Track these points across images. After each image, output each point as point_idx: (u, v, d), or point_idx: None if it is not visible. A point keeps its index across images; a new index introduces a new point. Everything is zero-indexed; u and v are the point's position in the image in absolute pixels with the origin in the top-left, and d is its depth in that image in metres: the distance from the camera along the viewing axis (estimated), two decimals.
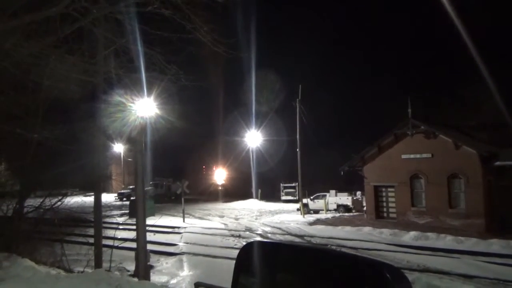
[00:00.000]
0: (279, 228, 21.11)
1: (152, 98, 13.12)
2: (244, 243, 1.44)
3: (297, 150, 31.06)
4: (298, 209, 29.24)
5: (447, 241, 16.60)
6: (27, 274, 5.02)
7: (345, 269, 0.77)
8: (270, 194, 44.48)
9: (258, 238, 17.03)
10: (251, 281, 0.94)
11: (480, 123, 22.19)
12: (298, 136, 31.07)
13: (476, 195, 19.83)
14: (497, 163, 19.06)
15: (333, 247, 15.57)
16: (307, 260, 0.85)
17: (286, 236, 18.79)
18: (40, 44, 6.52)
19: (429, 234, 17.61)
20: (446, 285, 4.28)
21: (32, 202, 12.39)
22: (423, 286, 4.07)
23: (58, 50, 6.84)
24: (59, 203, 12.33)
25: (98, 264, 11.10)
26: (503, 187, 18.67)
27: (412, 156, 22.48)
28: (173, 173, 44.67)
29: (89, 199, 13.49)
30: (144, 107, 12.54)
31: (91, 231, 12.88)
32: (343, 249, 15.00)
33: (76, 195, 14.95)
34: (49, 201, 12.22)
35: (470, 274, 11.22)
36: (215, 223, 24.45)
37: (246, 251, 0.96)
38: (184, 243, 17.24)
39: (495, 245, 15.43)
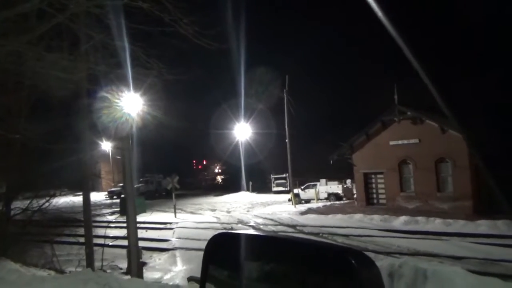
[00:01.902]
0: (271, 219, 21.22)
1: (138, 94, 12.96)
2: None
3: (286, 141, 31.14)
4: (289, 200, 29.39)
5: (436, 224, 16.87)
6: (11, 277, 4.95)
7: (310, 257, 0.75)
8: (261, 186, 44.63)
9: (251, 230, 17.08)
10: (219, 272, 0.92)
11: None
12: (286, 127, 31.12)
13: (463, 178, 20.15)
14: None
15: (325, 236, 15.71)
16: (272, 250, 0.84)
17: (278, 226, 18.89)
18: (17, 42, 6.36)
19: (419, 218, 17.87)
20: (434, 267, 4.36)
21: (19, 204, 12.23)
22: (411, 269, 4.13)
23: (36, 48, 6.67)
24: (47, 204, 12.20)
25: (89, 263, 11.03)
26: None
27: (400, 142, 22.71)
28: (163, 169, 44.47)
29: (78, 199, 13.36)
30: (130, 103, 12.38)
31: (81, 231, 12.78)
32: (335, 237, 15.15)
33: (64, 195, 14.78)
34: (37, 202, 12.08)
35: (459, 255, 11.44)
36: (207, 217, 24.45)
37: (214, 243, 0.94)
38: (177, 238, 17.22)
39: (483, 226, 15.74)
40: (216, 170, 56.42)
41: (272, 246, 0.86)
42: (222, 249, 0.92)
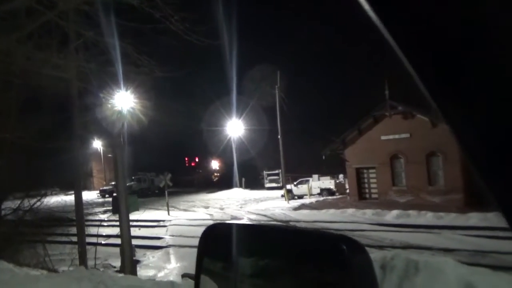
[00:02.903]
0: (265, 215, 21.28)
1: (130, 91, 12.89)
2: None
3: (279, 137, 31.20)
4: (282, 196, 29.49)
5: (427, 217, 17.05)
6: (4, 277, 4.92)
7: (301, 245, 0.77)
8: (254, 182, 44.67)
9: (245, 221, 17.11)
10: (214, 264, 0.93)
11: None
12: (279, 123, 31.18)
13: (454, 171, 20.37)
14: None
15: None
16: (265, 239, 0.86)
17: (272, 222, 18.97)
18: (6, 40, 6.29)
19: (410, 212, 18.05)
20: (425, 258, 4.44)
21: (10, 204, 12.13)
22: (402, 261, 4.20)
23: (25, 46, 6.60)
24: (38, 203, 12.11)
25: (82, 262, 10.99)
26: None
27: (391, 137, 22.88)
28: (155, 167, 44.27)
29: (70, 198, 13.29)
30: (122, 101, 12.33)
31: (73, 230, 12.71)
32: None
33: (56, 194, 14.68)
34: (28, 202, 11.99)
35: (450, 247, 11.60)
36: (200, 214, 24.44)
37: (208, 234, 0.96)
38: (170, 236, 17.21)
39: (474, 218, 15.94)
40: (215, 167, 56.25)
41: (265, 236, 0.88)
42: (216, 240, 0.94)
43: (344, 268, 0.71)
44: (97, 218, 23.49)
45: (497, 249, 11.07)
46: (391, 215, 18.11)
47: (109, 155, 42.17)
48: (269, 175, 42.20)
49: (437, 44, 0.44)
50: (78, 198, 12.22)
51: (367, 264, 0.73)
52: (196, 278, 0.93)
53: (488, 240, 12.48)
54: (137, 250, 12.13)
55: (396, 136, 22.63)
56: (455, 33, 0.42)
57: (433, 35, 0.43)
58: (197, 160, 62.98)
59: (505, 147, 0.44)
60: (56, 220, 13.71)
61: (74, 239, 12.27)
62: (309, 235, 0.80)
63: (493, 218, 15.45)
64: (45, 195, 12.73)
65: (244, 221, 20.09)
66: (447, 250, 11.30)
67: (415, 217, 17.45)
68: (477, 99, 0.44)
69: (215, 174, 52.08)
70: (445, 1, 0.41)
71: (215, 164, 51.62)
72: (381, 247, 11.98)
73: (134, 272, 10.17)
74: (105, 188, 44.16)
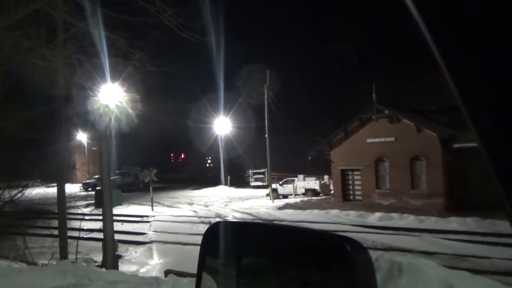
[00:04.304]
0: (249, 214, 21.31)
1: (117, 84, 12.72)
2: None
3: (266, 136, 31.26)
4: (267, 195, 29.56)
5: (409, 220, 17.33)
6: None
7: (304, 244, 0.79)
8: (240, 180, 44.64)
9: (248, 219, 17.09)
10: (216, 262, 0.95)
11: (441, 107, 23.07)
12: (266, 122, 31.23)
13: (436, 176, 20.76)
14: (456, 145, 19.97)
15: None
16: (269, 239, 0.87)
17: (256, 221, 19.00)
18: None
19: (393, 214, 18.31)
20: (409, 260, 4.55)
21: None
22: (387, 262, 4.28)
23: (13, 34, 6.46)
24: (19, 195, 11.88)
25: (63, 256, 10.85)
26: (460, 167, 19.63)
27: (377, 140, 23.15)
28: (140, 162, 43.81)
29: (52, 190, 13.09)
30: (108, 94, 12.16)
31: (55, 223, 12.52)
32: None
33: (37, 186, 14.43)
34: (9, 193, 11.75)
35: (430, 251, 11.82)
36: (184, 210, 24.32)
37: (210, 232, 0.96)
38: (153, 231, 17.07)
39: (454, 222, 16.28)
40: (207, 164, 55.94)
41: (268, 234, 0.89)
42: (219, 238, 0.95)
43: (347, 267, 0.73)
44: (79, 211, 23.15)
45: (475, 253, 11.34)
46: (374, 217, 18.34)
47: (94, 148, 41.61)
48: (254, 173, 42.25)
49: (474, 46, 0.45)
50: (61, 190, 12.04)
51: (368, 264, 0.75)
52: (197, 275, 0.94)
53: (467, 244, 12.76)
54: (120, 245, 12.00)
55: (382, 140, 22.91)
56: (493, 36, 0.43)
57: (472, 36, 0.45)
58: (183, 156, 62.64)
59: None
60: (37, 212, 13.48)
61: (55, 232, 12.08)
62: (312, 234, 0.81)
63: (472, 223, 15.82)
64: (27, 186, 12.49)
65: (228, 219, 20.07)
66: (427, 253, 11.50)
67: (397, 219, 17.72)
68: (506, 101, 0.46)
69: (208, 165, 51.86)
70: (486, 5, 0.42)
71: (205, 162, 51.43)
72: None
73: (116, 267, 10.07)
74: (88, 181, 43.54)
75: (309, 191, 30.35)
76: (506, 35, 0.43)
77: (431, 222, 16.82)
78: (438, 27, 0.47)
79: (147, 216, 21.72)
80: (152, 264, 12.16)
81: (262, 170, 39.56)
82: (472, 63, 0.47)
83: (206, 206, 26.78)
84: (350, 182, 25.07)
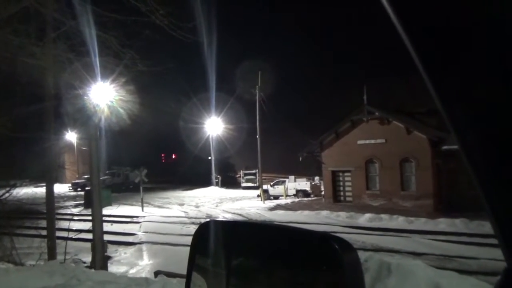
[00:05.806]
0: (240, 215, 21.30)
1: (107, 84, 12.62)
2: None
3: (257, 137, 31.29)
4: (258, 195, 29.57)
5: (399, 221, 17.49)
6: None
7: (293, 243, 0.80)
8: (231, 181, 44.59)
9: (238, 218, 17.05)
10: (206, 261, 0.95)
11: (430, 109, 23.32)
12: (258, 123, 31.27)
13: (425, 177, 20.98)
14: (445, 147, 20.20)
15: None
16: (258, 238, 0.88)
17: (247, 220, 18.98)
18: None
19: (383, 215, 18.46)
20: (397, 261, 4.60)
21: None
22: (376, 262, 4.32)
23: (2, 31, 6.38)
24: (7, 194, 11.69)
25: (52, 256, 10.72)
26: (449, 169, 19.86)
27: (367, 141, 23.30)
28: (131, 162, 43.50)
29: (41, 190, 12.90)
30: (98, 93, 12.06)
31: (43, 223, 12.36)
32: None
33: (26, 186, 14.20)
34: None
35: (419, 251, 11.95)
36: (175, 211, 24.21)
37: (201, 231, 0.97)
38: (143, 232, 16.97)
39: (442, 224, 16.47)
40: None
41: (258, 233, 0.90)
42: (209, 237, 0.95)
43: (336, 266, 0.73)
44: (68, 212, 22.89)
45: (462, 254, 11.50)
46: (364, 218, 18.47)
47: (83, 148, 41.15)
48: (246, 174, 42.24)
49: (449, 45, 0.46)
50: (50, 190, 11.90)
51: (356, 263, 0.76)
52: (187, 275, 0.93)
53: (454, 245, 12.92)
54: (109, 245, 11.88)
55: (372, 141, 23.08)
56: (467, 34, 0.44)
57: (445, 34, 0.45)
58: (174, 156, 62.35)
59: (504, 151, 0.47)
60: (25, 212, 13.27)
61: (44, 232, 11.92)
62: (302, 233, 0.82)
63: (460, 224, 16.02)
64: (15, 186, 12.29)
65: (220, 219, 20.03)
66: (416, 254, 11.63)
67: (387, 220, 17.87)
68: (485, 101, 0.47)
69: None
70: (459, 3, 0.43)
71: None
72: None
73: (105, 268, 9.97)
74: (77, 181, 43.07)
75: (300, 192, 30.45)
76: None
77: (420, 223, 16.99)
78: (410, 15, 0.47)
79: (137, 217, 21.58)
80: (142, 264, 12.09)
81: (253, 171, 39.58)
82: (441, 54, 0.47)
83: (197, 206, 26.69)
84: (341, 183, 25.20)
